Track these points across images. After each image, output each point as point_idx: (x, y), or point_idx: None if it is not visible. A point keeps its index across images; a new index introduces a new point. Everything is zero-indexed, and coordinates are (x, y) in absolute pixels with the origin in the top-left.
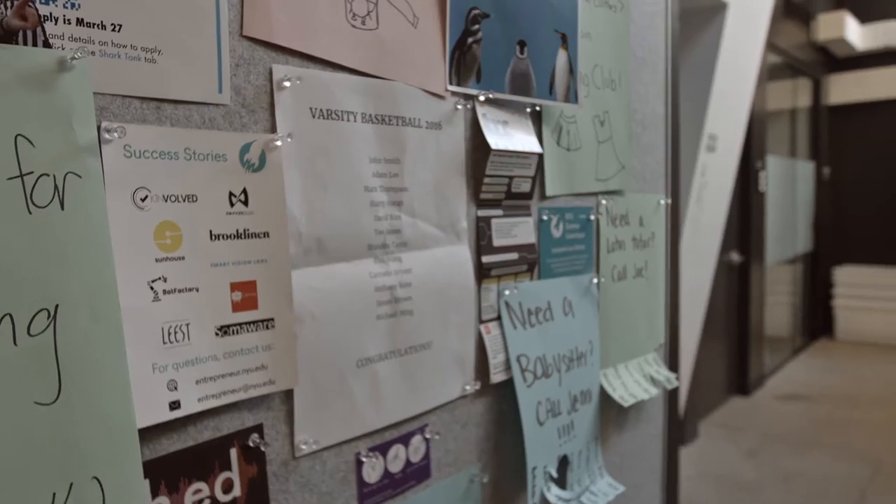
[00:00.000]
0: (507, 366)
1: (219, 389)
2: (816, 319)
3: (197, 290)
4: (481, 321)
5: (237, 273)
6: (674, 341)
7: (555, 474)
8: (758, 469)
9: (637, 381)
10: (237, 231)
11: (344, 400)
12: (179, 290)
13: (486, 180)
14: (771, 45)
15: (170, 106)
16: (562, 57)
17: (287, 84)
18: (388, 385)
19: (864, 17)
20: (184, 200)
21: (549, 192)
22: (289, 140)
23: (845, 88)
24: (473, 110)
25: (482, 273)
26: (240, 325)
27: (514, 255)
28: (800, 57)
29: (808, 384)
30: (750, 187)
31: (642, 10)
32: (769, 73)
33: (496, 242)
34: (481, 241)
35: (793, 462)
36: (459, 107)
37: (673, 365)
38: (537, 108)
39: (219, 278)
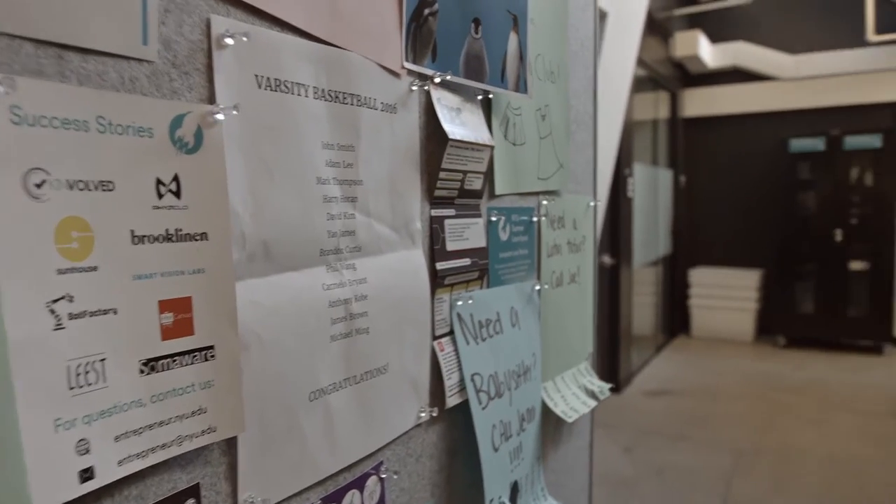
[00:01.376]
0: (462, 387)
1: (145, 446)
2: (675, 318)
3: (115, 311)
4: (434, 337)
5: (167, 288)
6: (601, 349)
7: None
8: (635, 464)
9: (575, 393)
10: (167, 232)
11: (295, 443)
12: (91, 314)
13: (442, 174)
14: (637, 59)
15: (77, 56)
16: (513, 41)
17: (229, 42)
18: (343, 420)
19: (715, 37)
20: (95, 189)
21: (498, 190)
22: (234, 113)
23: (698, 102)
24: (427, 93)
25: (436, 281)
26: (172, 357)
27: (466, 261)
28: (660, 71)
29: (672, 380)
30: (619, 193)
31: (575, 3)
32: (635, 85)
33: (450, 246)
34: (435, 244)
35: (665, 455)
36: (415, 88)
37: (601, 373)
38: (489, 96)
39: (143, 295)
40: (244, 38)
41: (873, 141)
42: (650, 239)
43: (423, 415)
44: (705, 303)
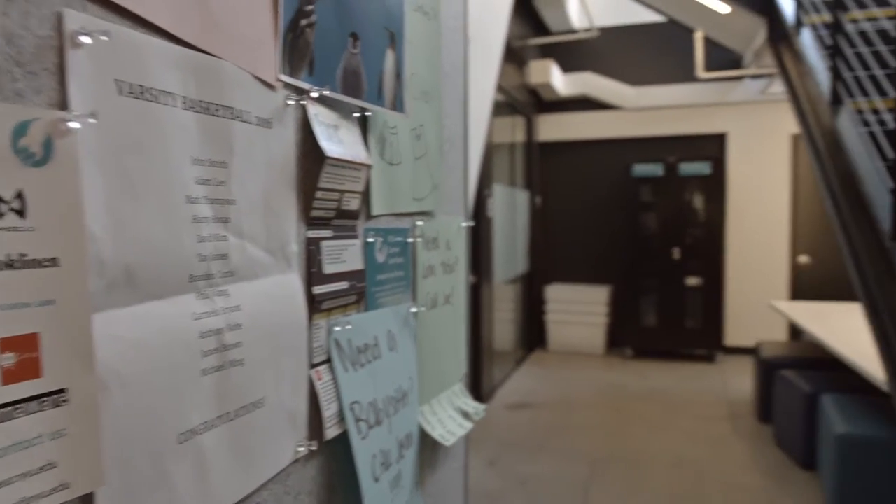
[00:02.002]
0: (341, 417)
1: None
2: (533, 333)
3: None
4: (312, 365)
5: (8, 324)
6: (475, 369)
7: None
8: (499, 477)
9: (451, 416)
10: (8, 257)
11: (163, 492)
12: None
13: (319, 194)
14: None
15: None
16: (390, 58)
17: (86, 40)
18: (216, 462)
19: (566, 67)
20: None
21: (374, 210)
22: (91, 122)
23: (552, 128)
24: (304, 109)
25: (313, 307)
26: (13, 405)
27: (344, 285)
28: (517, 97)
29: (532, 393)
30: (480, 213)
31: (447, 24)
32: (494, 110)
33: (327, 269)
34: (312, 267)
35: (527, 467)
36: (291, 102)
37: (477, 393)
38: (366, 114)
39: None
40: (103, 38)
41: (704, 168)
42: (509, 257)
43: (301, 449)
44: (560, 318)
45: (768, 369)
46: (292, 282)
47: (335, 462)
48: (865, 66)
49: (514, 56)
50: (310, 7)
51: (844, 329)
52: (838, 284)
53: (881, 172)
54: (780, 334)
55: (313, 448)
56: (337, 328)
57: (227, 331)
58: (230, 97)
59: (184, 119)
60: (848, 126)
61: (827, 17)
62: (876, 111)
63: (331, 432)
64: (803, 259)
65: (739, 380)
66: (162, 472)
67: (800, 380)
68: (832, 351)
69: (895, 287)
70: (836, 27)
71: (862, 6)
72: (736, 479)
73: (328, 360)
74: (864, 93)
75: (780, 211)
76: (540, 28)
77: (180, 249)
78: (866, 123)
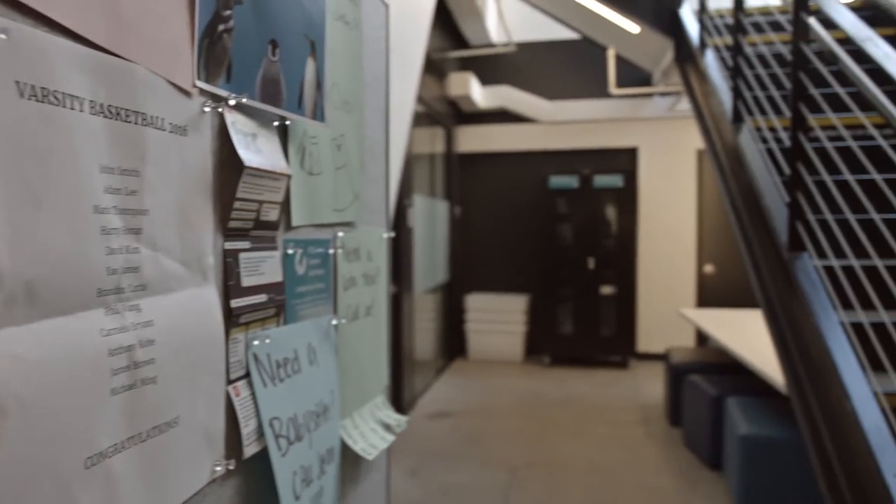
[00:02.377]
0: (260, 433)
1: None
2: (453, 342)
3: None
4: (230, 381)
5: None
6: (396, 379)
7: None
8: (420, 486)
9: (373, 428)
10: None
11: None
12: None
13: (237, 204)
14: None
15: None
16: (310, 67)
17: None
18: (128, 486)
19: (485, 79)
20: None
21: (294, 221)
22: None
23: (471, 139)
24: (221, 116)
25: (230, 320)
26: None
27: (262, 297)
28: (436, 108)
29: (452, 402)
30: (401, 223)
31: (369, 35)
32: (414, 120)
33: (245, 282)
34: (229, 280)
35: (449, 476)
36: (207, 109)
37: (398, 403)
38: (286, 123)
39: None
40: (2, 37)
41: (616, 181)
42: (429, 267)
43: (218, 469)
44: (480, 327)
45: (677, 374)
46: (208, 295)
47: (254, 481)
48: (763, 87)
49: (434, 68)
50: (227, 12)
51: (747, 335)
52: (741, 292)
53: (778, 187)
54: (689, 340)
55: (231, 467)
56: (255, 342)
57: (138, 347)
58: (142, 102)
59: (92, 124)
60: (748, 143)
61: (728, 40)
62: (773, 129)
63: (249, 450)
64: (709, 268)
65: (651, 385)
66: (68, 499)
67: (706, 384)
68: (736, 356)
69: (793, 295)
70: (736, 50)
71: (760, 31)
72: (649, 482)
73: (247, 376)
74: (763, 112)
75: (687, 222)
76: (459, 41)
77: (87, 262)
78: (765, 141)
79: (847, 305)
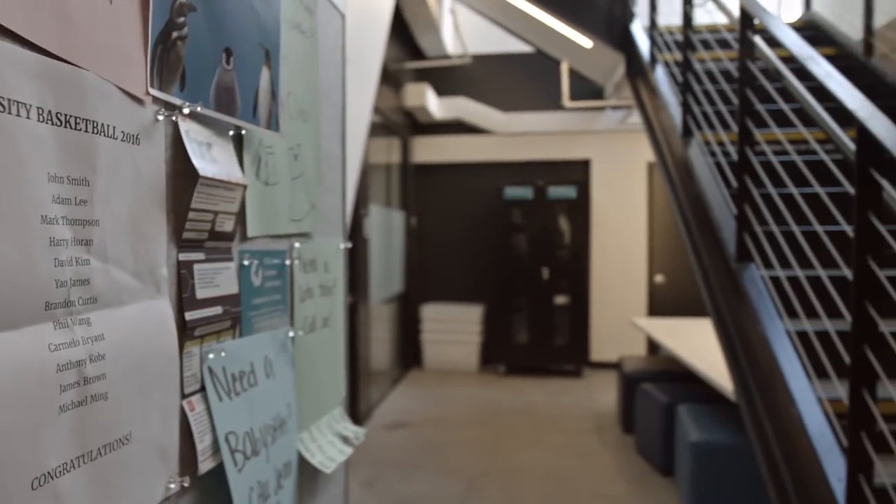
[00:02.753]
0: (215, 448)
1: None
2: (409, 352)
3: None
4: (184, 396)
5: None
6: (352, 389)
7: None
8: (377, 497)
9: (331, 441)
10: None
11: None
12: None
13: (191, 215)
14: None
15: None
16: (265, 76)
17: None
18: None
19: (441, 91)
20: None
21: (250, 232)
22: None
23: (427, 150)
24: (175, 125)
25: (184, 334)
26: None
27: (218, 310)
28: (393, 118)
29: (408, 412)
30: (357, 233)
31: (325, 44)
32: (370, 130)
33: (199, 294)
34: (183, 292)
35: (405, 486)
36: (161, 117)
37: (354, 414)
38: (241, 132)
39: None
40: None
41: (570, 192)
42: (385, 277)
43: (172, 486)
44: (436, 337)
45: (630, 383)
46: (162, 308)
47: (210, 498)
48: (712, 102)
49: (391, 79)
50: (181, 19)
51: (697, 343)
52: (691, 301)
53: (726, 199)
54: (641, 349)
55: (186, 484)
56: (211, 355)
57: (88, 362)
58: (93, 110)
59: (39, 132)
60: (697, 156)
61: (678, 56)
62: (721, 143)
63: (205, 466)
64: (659, 278)
65: (604, 393)
66: None
67: (658, 392)
68: (686, 364)
69: (740, 304)
70: (686, 66)
71: (708, 48)
72: (603, 489)
73: (202, 390)
74: (711, 126)
75: (639, 233)
76: (416, 52)
77: (34, 274)
78: (713, 154)
79: (792, 314)
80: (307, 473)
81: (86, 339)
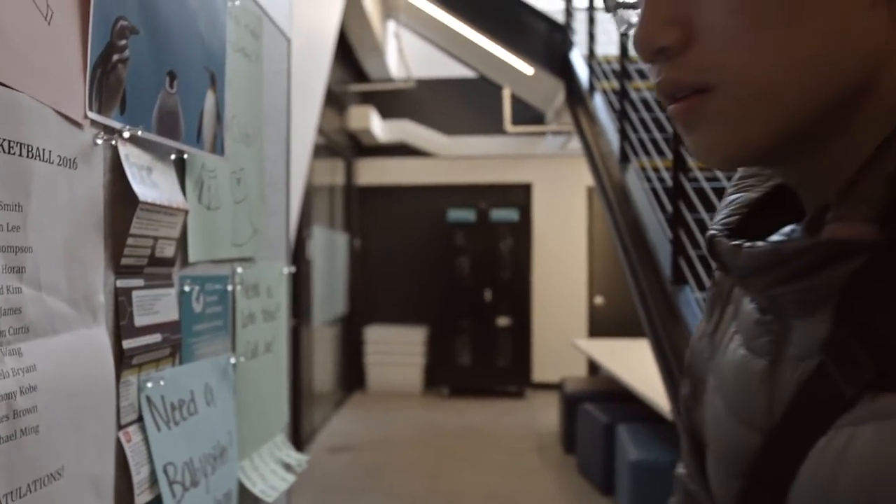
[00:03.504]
0: (153, 480)
1: None
2: (352, 374)
3: None
4: (120, 426)
5: None
6: (294, 413)
7: None
8: None
9: (273, 469)
10: None
11: None
12: None
13: (130, 241)
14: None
15: None
16: (210, 99)
17: None
18: None
19: (386, 113)
20: None
21: (192, 257)
22: None
23: (371, 172)
24: (115, 149)
25: (122, 362)
26: None
27: (157, 337)
28: (337, 140)
29: (352, 435)
30: (300, 255)
31: (270, 67)
32: (314, 152)
33: (138, 322)
34: (121, 320)
35: None
36: (100, 141)
37: (296, 438)
38: (184, 156)
39: None
40: None
41: (512, 215)
42: (329, 299)
43: None
44: (379, 359)
45: (571, 403)
46: (98, 336)
47: None
48: (648, 130)
49: (335, 101)
50: (123, 42)
51: (636, 364)
52: (630, 322)
53: (662, 224)
54: (582, 370)
55: None
56: (149, 384)
57: (19, 395)
58: (27, 134)
59: None
60: (635, 181)
61: (615, 84)
62: (657, 170)
63: (142, 499)
64: (599, 300)
65: (546, 413)
66: None
67: (598, 412)
68: (626, 385)
69: (677, 326)
70: (622, 94)
71: (643, 77)
72: None
73: (139, 420)
74: (647, 153)
75: (579, 255)
76: (360, 75)
77: None
78: (649, 180)
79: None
80: (248, 503)
81: (16, 371)
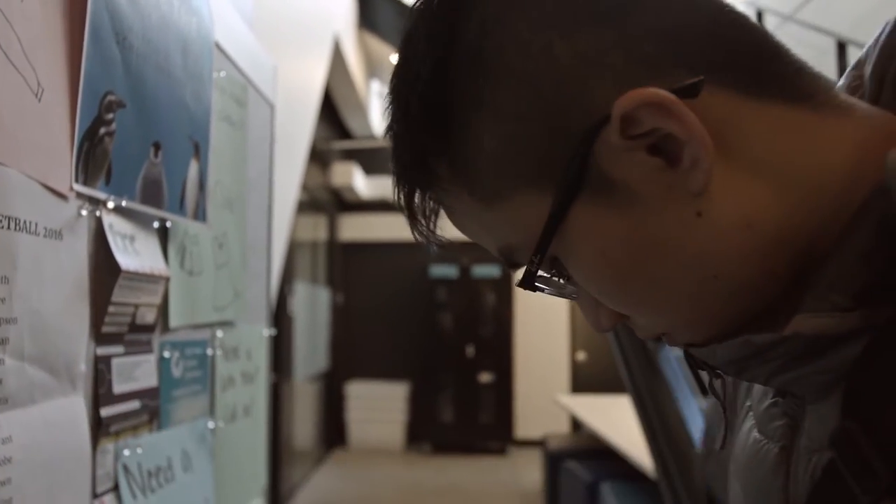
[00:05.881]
0: None
1: None
2: (332, 431)
3: None
4: (96, 495)
5: None
6: (273, 471)
7: None
8: None
9: None
10: None
11: None
12: None
13: (111, 309)
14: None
15: None
16: (194, 168)
17: None
18: None
19: (369, 170)
20: None
21: (172, 323)
22: None
23: (354, 228)
24: (99, 219)
25: (99, 430)
26: None
27: (136, 404)
28: (320, 196)
29: (332, 493)
30: (282, 311)
31: (254, 134)
32: (297, 208)
33: (117, 389)
34: (100, 388)
35: None
36: (84, 212)
37: (275, 497)
38: (167, 224)
39: None
40: None
41: (493, 271)
42: (310, 354)
43: None
44: (361, 415)
45: (554, 460)
46: (75, 406)
47: None
48: None
49: (319, 157)
50: (110, 116)
51: (619, 420)
52: (612, 379)
53: None
54: (565, 426)
55: None
56: (126, 452)
57: None
58: (14, 207)
59: None
60: None
61: None
62: None
63: None
64: (581, 355)
65: (529, 471)
66: None
67: (581, 469)
68: (609, 442)
69: (658, 382)
70: None
71: None
72: None
73: (115, 488)
74: None
75: (560, 311)
76: (344, 133)
77: None
78: None
79: (705, 392)
80: None
81: None
